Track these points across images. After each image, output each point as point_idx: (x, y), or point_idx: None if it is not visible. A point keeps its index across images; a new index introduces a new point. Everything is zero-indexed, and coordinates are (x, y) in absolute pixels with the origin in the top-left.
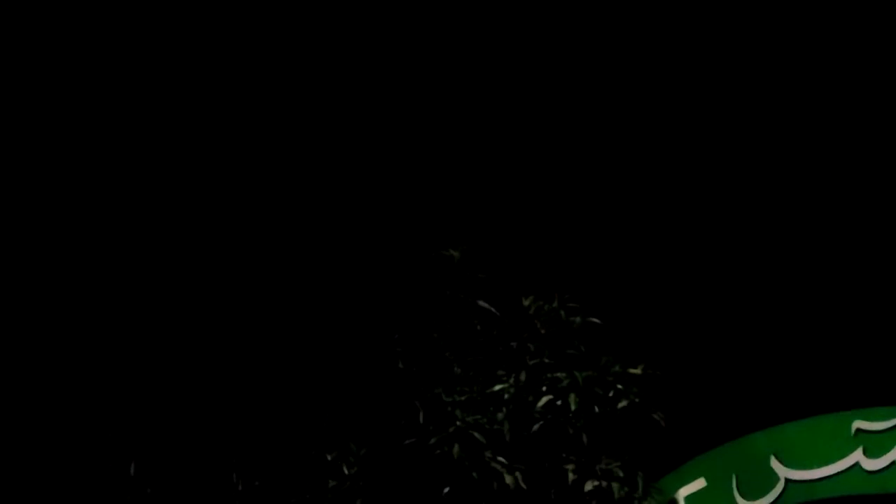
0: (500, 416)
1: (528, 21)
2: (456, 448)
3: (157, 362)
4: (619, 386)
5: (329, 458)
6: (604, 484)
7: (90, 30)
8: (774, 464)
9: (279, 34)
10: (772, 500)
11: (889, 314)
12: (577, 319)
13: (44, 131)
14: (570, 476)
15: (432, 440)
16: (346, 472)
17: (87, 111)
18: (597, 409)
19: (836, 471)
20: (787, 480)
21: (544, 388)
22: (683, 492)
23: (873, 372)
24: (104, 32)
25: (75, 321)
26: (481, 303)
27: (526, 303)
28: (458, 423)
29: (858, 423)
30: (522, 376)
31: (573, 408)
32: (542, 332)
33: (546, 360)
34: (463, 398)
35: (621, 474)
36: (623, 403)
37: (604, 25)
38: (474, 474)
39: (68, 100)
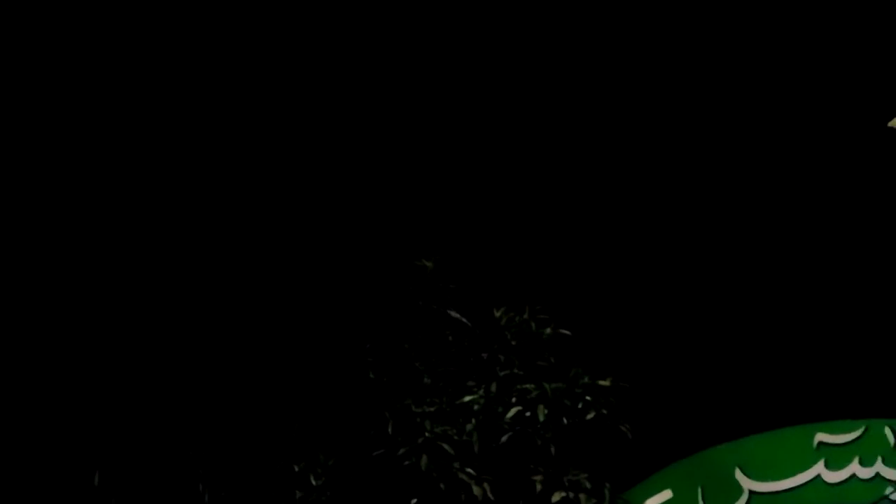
0: (469, 427)
1: (499, 37)
2: (424, 459)
3: (123, 369)
4: (588, 398)
5: (297, 468)
6: (571, 495)
7: (90, 30)
8: (739, 476)
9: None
10: None
11: (851, 329)
12: (548, 331)
13: (44, 131)
14: (538, 487)
15: (401, 451)
16: (313, 482)
17: (88, 111)
18: (565, 421)
19: (798, 483)
20: (751, 492)
21: (514, 400)
22: (650, 503)
23: (836, 385)
24: (104, 32)
25: (44, 324)
26: (453, 313)
27: (497, 314)
28: (426, 434)
29: (821, 436)
30: (493, 387)
31: (542, 419)
32: (513, 343)
33: (516, 372)
34: (432, 409)
35: (589, 486)
36: (591, 415)
37: (574, 48)
38: (442, 486)
39: (68, 100)
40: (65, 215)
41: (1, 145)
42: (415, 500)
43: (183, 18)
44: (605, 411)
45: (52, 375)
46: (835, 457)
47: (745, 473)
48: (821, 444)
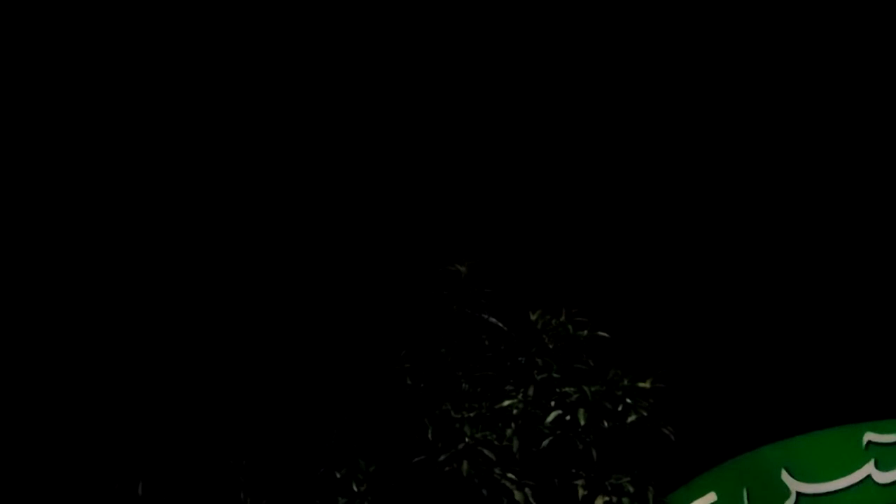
0: (509, 431)
1: (527, 38)
2: (465, 465)
3: (161, 374)
4: (628, 400)
5: (338, 475)
6: (614, 499)
7: (90, 30)
8: (785, 477)
9: (272, 48)
10: None
11: None
12: (585, 333)
13: (44, 131)
14: (581, 492)
15: (441, 457)
16: (355, 489)
17: (88, 111)
18: (606, 424)
19: (847, 484)
20: (799, 494)
21: (553, 403)
22: None
23: (884, 384)
24: (104, 32)
25: (76, 325)
26: (489, 318)
27: (533, 317)
28: (466, 439)
29: (870, 436)
30: (531, 391)
31: (582, 423)
32: (550, 346)
33: (554, 375)
34: (472, 414)
35: (631, 489)
36: (632, 418)
37: (597, 44)
38: (484, 491)
39: (68, 100)
40: (103, 220)
41: (1, 145)
42: None
43: (197, 18)
44: (645, 413)
45: (93, 385)
46: (885, 457)
47: (791, 475)
48: (870, 443)
